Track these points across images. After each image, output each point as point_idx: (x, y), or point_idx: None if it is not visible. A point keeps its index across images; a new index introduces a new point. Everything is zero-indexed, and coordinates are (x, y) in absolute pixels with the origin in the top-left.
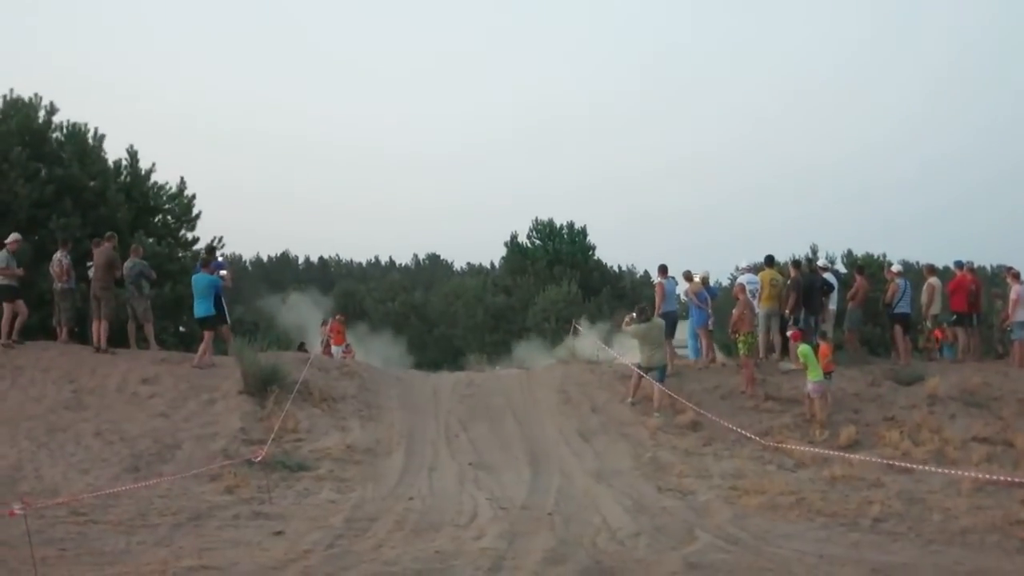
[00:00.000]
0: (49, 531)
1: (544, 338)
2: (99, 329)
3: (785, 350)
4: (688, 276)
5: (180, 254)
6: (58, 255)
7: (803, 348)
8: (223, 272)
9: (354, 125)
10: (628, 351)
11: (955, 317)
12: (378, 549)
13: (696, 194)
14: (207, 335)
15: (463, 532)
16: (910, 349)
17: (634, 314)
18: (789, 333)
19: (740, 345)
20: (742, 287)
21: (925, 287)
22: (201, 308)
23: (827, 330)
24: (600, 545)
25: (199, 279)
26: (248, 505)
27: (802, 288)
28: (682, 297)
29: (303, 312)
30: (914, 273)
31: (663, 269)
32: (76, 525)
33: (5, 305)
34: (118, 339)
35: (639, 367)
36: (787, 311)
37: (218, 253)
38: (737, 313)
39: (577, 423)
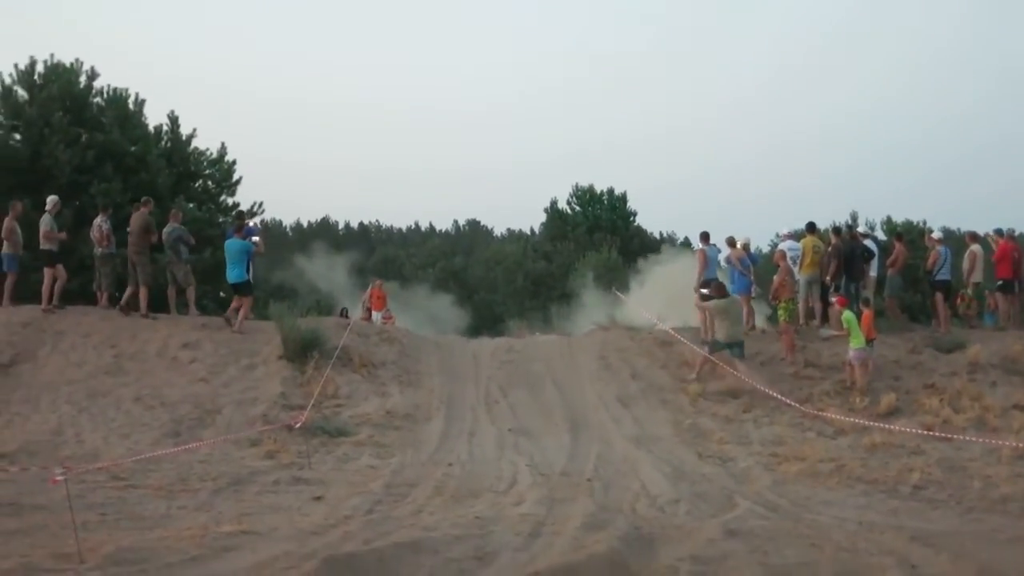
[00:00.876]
0: (90, 496)
1: (584, 304)
2: (136, 294)
3: (825, 317)
4: (732, 242)
5: (220, 219)
6: (98, 220)
7: (847, 315)
8: (255, 238)
9: (394, 86)
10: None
11: (1000, 283)
12: (417, 515)
13: (733, 164)
14: (244, 300)
15: (502, 498)
16: (950, 316)
17: (704, 290)
18: (834, 299)
19: (781, 312)
20: (783, 254)
21: (967, 254)
22: (234, 273)
23: (869, 297)
24: (639, 511)
25: (231, 244)
26: (288, 470)
27: (843, 255)
28: (722, 263)
29: (321, 276)
30: (955, 240)
31: (705, 236)
32: (116, 490)
33: (46, 270)
34: (159, 304)
35: (717, 344)
36: (828, 278)
37: (252, 220)
38: (779, 280)
39: (617, 389)
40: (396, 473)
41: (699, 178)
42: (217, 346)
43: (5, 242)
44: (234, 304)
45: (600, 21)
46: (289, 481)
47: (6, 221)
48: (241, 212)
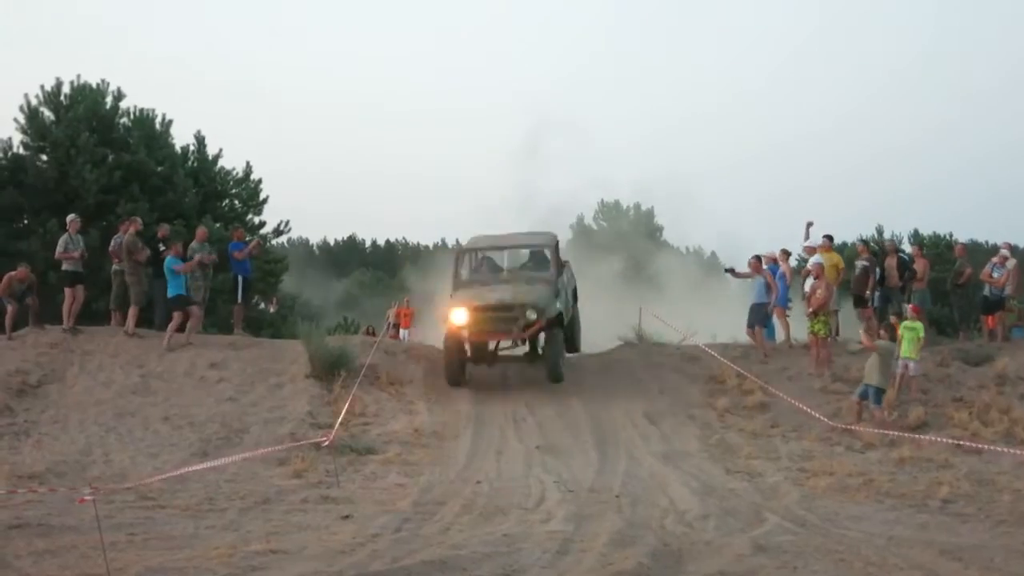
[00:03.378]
0: (118, 516)
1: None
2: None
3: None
4: (787, 254)
5: (248, 238)
6: (116, 237)
7: (919, 324)
8: (198, 256)
9: (420, 97)
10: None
11: None
12: (446, 532)
13: (752, 177)
14: (180, 314)
15: (531, 515)
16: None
17: (864, 331)
18: (909, 305)
19: (820, 326)
20: (821, 267)
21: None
22: (168, 289)
23: (902, 310)
24: (668, 527)
25: (166, 261)
26: (316, 489)
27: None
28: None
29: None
30: (984, 252)
31: (788, 253)
32: (145, 510)
33: (67, 290)
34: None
35: (878, 390)
36: (867, 291)
37: (247, 236)
38: (826, 294)
39: (644, 405)
40: (424, 491)
41: (717, 192)
42: (244, 365)
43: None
44: (176, 321)
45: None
46: (317, 500)
47: (6, 278)
48: (236, 227)
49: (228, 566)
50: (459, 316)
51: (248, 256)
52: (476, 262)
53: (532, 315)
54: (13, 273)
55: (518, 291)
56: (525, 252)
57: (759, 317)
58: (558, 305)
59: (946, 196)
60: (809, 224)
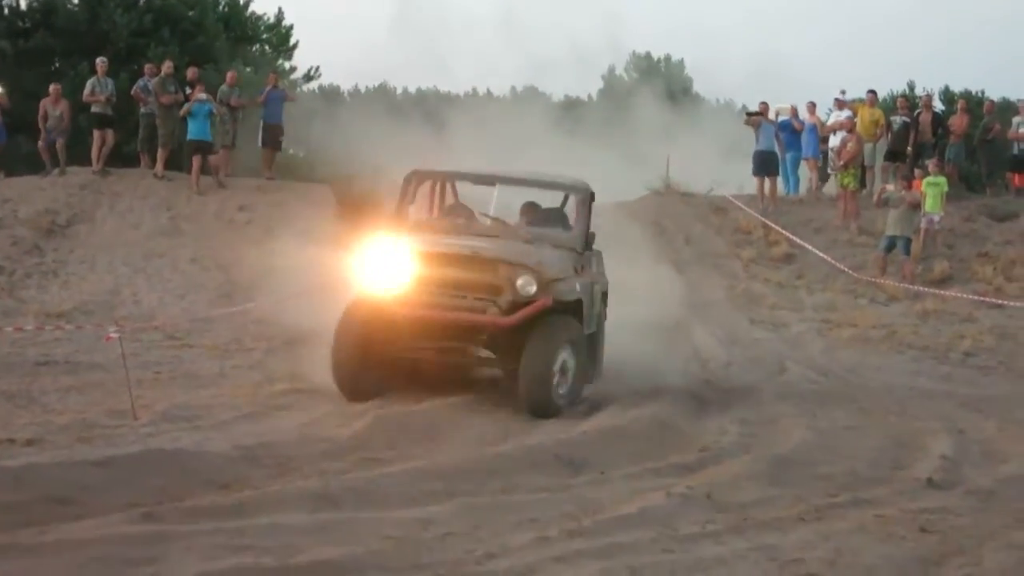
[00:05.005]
0: (144, 354)
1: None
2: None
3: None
4: (814, 105)
5: (280, 83)
6: (140, 80)
7: (942, 179)
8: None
9: None
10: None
11: None
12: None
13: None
14: (194, 158)
15: None
16: None
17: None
18: (931, 162)
19: (849, 179)
20: (853, 121)
21: None
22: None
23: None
24: (691, 374)
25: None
26: None
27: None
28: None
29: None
30: (1015, 111)
31: (814, 104)
32: (171, 349)
33: (95, 132)
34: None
35: (906, 240)
36: (908, 147)
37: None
38: (856, 148)
39: (670, 254)
40: None
41: (736, 38)
42: (273, 208)
43: None
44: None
45: None
46: None
47: (41, 105)
48: (270, 71)
49: (253, 404)
50: (382, 267)
51: (267, 101)
52: (441, 199)
53: (530, 287)
54: (46, 98)
55: (507, 245)
56: (533, 201)
57: (764, 166)
58: (578, 287)
59: (978, 52)
60: (842, 92)
